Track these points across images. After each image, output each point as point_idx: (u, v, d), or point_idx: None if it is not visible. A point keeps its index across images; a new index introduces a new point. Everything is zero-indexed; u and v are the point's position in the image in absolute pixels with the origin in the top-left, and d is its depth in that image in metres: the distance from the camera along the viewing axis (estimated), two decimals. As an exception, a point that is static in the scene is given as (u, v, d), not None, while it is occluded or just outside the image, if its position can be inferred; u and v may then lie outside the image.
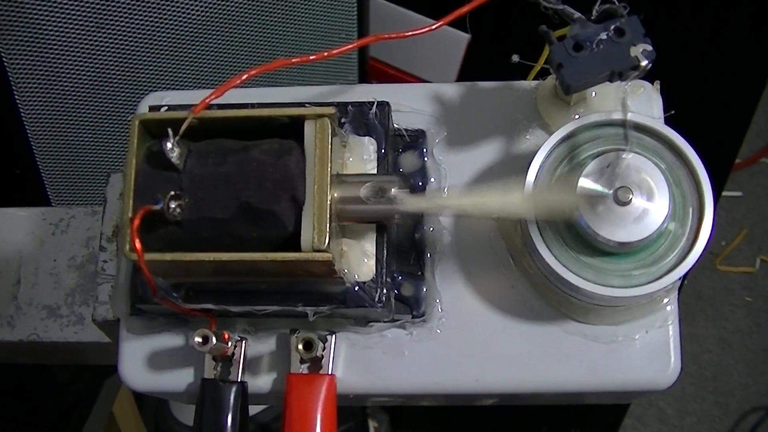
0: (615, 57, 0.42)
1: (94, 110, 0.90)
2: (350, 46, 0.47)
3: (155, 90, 0.54)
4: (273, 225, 0.41)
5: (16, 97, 0.85)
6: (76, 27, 0.84)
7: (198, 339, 0.45)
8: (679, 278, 0.44)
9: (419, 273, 0.48)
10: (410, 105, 0.51)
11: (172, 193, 0.41)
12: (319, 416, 0.46)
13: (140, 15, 0.87)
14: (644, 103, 0.49)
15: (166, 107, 0.46)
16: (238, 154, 0.42)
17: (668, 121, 0.49)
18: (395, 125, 0.50)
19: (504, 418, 1.40)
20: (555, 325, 0.48)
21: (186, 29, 0.90)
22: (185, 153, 0.42)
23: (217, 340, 0.45)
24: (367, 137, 0.47)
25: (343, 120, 0.47)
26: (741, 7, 1.28)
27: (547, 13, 0.44)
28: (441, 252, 0.49)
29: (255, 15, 0.94)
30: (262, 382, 0.49)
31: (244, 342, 0.48)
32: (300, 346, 0.46)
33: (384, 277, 0.45)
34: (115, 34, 0.86)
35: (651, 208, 0.43)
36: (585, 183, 0.44)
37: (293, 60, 0.44)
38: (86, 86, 0.88)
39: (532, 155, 0.46)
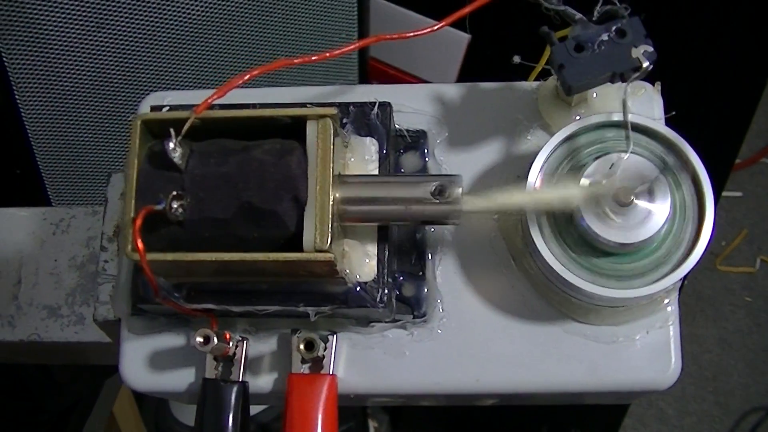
0: (616, 58, 0.42)
1: (95, 110, 0.90)
2: (352, 47, 0.47)
3: (156, 90, 0.54)
4: (275, 225, 0.41)
5: (17, 97, 0.85)
6: (77, 27, 0.84)
7: (199, 339, 0.45)
8: (680, 279, 0.44)
9: (420, 273, 0.48)
10: (411, 105, 0.51)
11: (174, 193, 0.41)
12: (320, 416, 0.46)
13: (141, 15, 0.87)
14: (645, 104, 0.50)
15: (167, 107, 0.46)
16: (239, 154, 0.42)
17: (669, 122, 0.49)
18: (396, 126, 0.50)
19: (504, 418, 1.40)
20: (555, 325, 0.48)
21: (187, 29, 0.90)
22: (187, 153, 0.42)
23: (218, 340, 0.45)
24: (368, 137, 0.47)
25: (344, 120, 0.47)
26: (741, 7, 1.28)
27: (548, 14, 0.44)
28: (442, 252, 0.49)
29: (256, 15, 0.94)
30: (263, 382, 0.49)
31: (245, 342, 0.48)
32: (301, 346, 0.46)
33: (385, 278, 0.45)
34: (115, 34, 0.86)
35: (652, 209, 0.43)
36: (586, 184, 0.44)
37: (295, 60, 0.44)
38: (87, 86, 0.88)
39: (533, 156, 0.46)
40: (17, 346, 0.58)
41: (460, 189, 0.42)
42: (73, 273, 0.58)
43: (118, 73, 0.89)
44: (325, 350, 0.47)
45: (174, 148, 0.40)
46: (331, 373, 0.47)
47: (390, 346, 0.48)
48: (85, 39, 0.85)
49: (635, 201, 0.43)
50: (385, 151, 0.47)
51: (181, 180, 0.41)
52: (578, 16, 0.44)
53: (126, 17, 0.86)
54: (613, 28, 0.43)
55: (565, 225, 0.45)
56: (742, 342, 1.67)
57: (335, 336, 0.48)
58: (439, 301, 0.48)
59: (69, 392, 1.06)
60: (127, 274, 0.49)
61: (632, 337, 0.47)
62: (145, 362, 0.49)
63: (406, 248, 0.49)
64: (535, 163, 0.45)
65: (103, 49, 0.87)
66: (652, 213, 0.43)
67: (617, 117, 0.46)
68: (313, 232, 0.40)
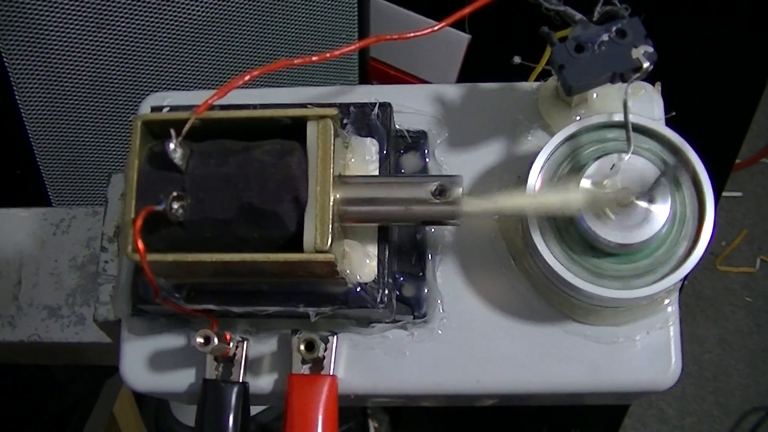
0: (616, 58, 0.42)
1: (95, 111, 0.90)
2: (352, 47, 0.47)
3: (156, 91, 0.55)
4: (275, 226, 0.41)
5: (17, 97, 0.85)
6: (77, 27, 0.84)
7: (200, 339, 0.45)
8: (681, 279, 0.44)
9: (421, 274, 0.48)
10: (412, 106, 0.51)
11: (175, 193, 0.41)
12: (320, 417, 0.46)
13: (141, 15, 0.87)
14: (645, 104, 0.50)
15: (168, 108, 0.46)
16: (240, 155, 0.42)
17: (669, 122, 0.49)
18: (397, 126, 0.50)
19: (504, 418, 1.40)
20: (556, 325, 0.48)
21: (187, 30, 0.90)
22: (187, 153, 0.42)
23: (218, 340, 0.45)
24: (369, 138, 0.47)
25: (345, 121, 0.47)
26: (741, 7, 1.28)
27: (548, 14, 0.44)
28: (442, 253, 0.49)
29: (256, 16, 0.94)
30: (264, 382, 0.49)
31: (245, 342, 0.48)
32: (301, 347, 0.46)
33: (386, 278, 0.45)
34: (116, 35, 0.86)
35: (652, 209, 0.43)
36: (586, 184, 0.44)
37: (295, 61, 0.44)
38: (87, 87, 0.88)
39: (533, 156, 0.46)
40: (18, 346, 0.58)
41: (461, 189, 0.42)
42: (74, 273, 0.58)
43: (119, 73, 0.89)
44: (325, 351, 0.47)
45: (174, 148, 0.40)
46: (331, 373, 0.47)
47: (390, 347, 0.48)
48: (86, 39, 0.85)
49: (635, 201, 0.43)
50: (385, 152, 0.47)
51: (182, 180, 0.41)
52: (578, 16, 0.44)
53: (126, 18, 0.86)
54: (614, 28, 0.43)
55: (566, 225, 0.45)
56: (743, 342, 1.67)
57: (335, 336, 0.48)
58: (439, 301, 0.48)
59: (69, 393, 1.06)
60: (128, 274, 0.49)
61: (632, 337, 0.47)
62: (145, 363, 0.49)
63: (406, 249, 0.49)
64: (535, 163, 0.45)
65: (103, 49, 0.87)
66: (653, 213, 0.43)
67: (617, 117, 0.46)
68: (314, 232, 0.40)
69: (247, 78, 0.42)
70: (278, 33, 0.96)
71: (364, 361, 0.48)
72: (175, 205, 0.41)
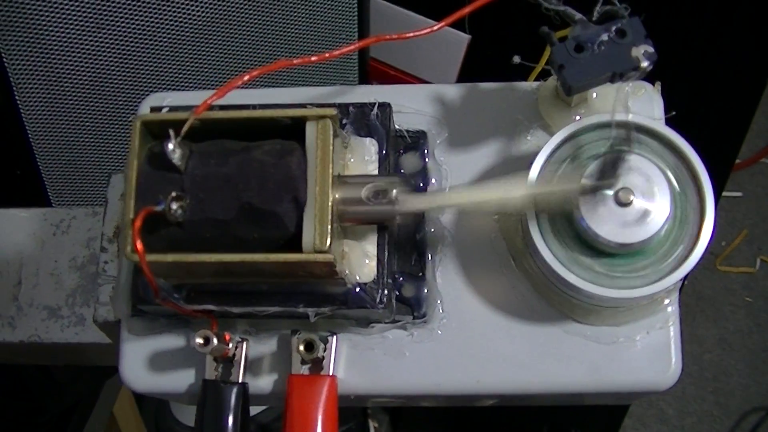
0: (616, 58, 0.42)
1: (95, 111, 0.90)
2: (352, 47, 0.47)
3: (156, 91, 0.54)
4: (274, 226, 0.41)
5: (17, 97, 0.85)
6: (77, 28, 0.84)
7: (199, 340, 0.45)
8: (681, 279, 0.44)
9: (420, 274, 0.48)
10: (411, 106, 0.51)
11: (174, 194, 0.41)
12: (320, 417, 0.46)
13: (141, 16, 0.87)
14: (645, 104, 0.50)
15: (167, 108, 0.46)
16: (239, 155, 0.42)
17: (669, 122, 0.49)
18: (396, 126, 0.50)
19: (504, 418, 1.40)
20: (556, 325, 0.48)
21: (186, 30, 0.90)
22: (187, 154, 0.42)
23: (218, 341, 0.45)
24: (368, 138, 0.47)
25: (344, 121, 0.47)
26: (741, 7, 1.28)
27: (548, 14, 0.44)
28: (442, 253, 0.49)
29: (255, 16, 0.94)
30: (263, 383, 0.49)
31: (245, 343, 0.48)
32: (301, 347, 0.46)
33: (385, 278, 0.45)
34: (115, 35, 0.86)
35: (652, 209, 0.43)
36: (586, 184, 0.44)
37: (295, 61, 0.44)
38: (87, 87, 0.88)
39: (533, 156, 0.46)
40: (17, 346, 0.58)
41: (395, 191, 0.43)
42: (74, 274, 0.58)
43: (118, 74, 0.89)
44: (324, 351, 0.47)
45: (173, 149, 0.40)
46: (331, 374, 0.47)
47: (390, 347, 0.48)
48: (86, 40, 0.85)
49: (635, 201, 0.43)
50: (384, 152, 0.47)
51: (181, 181, 0.41)
52: (578, 16, 0.44)
53: (126, 18, 0.86)
54: (613, 28, 0.43)
55: (565, 225, 0.45)
56: (743, 342, 1.67)
57: (335, 337, 0.48)
58: (439, 301, 0.48)
59: (69, 393, 1.06)
60: (127, 275, 0.49)
61: (632, 337, 0.47)
62: (145, 363, 0.49)
63: (406, 249, 0.49)
64: (535, 163, 0.45)
65: (103, 50, 0.87)
66: (652, 213, 0.43)
67: (617, 117, 0.46)
68: (313, 233, 0.40)
69: (246, 78, 0.42)
70: (278, 33, 0.96)
71: (363, 362, 0.48)
72: (175, 206, 0.41)
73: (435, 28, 0.46)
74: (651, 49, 0.42)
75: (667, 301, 0.47)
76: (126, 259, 0.41)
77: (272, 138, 0.43)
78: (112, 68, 0.88)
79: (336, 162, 0.42)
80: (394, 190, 0.43)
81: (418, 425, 1.51)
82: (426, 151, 0.50)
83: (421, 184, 0.50)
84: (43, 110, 0.88)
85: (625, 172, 0.43)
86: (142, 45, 0.88)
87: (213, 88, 0.42)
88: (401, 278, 0.48)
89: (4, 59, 0.82)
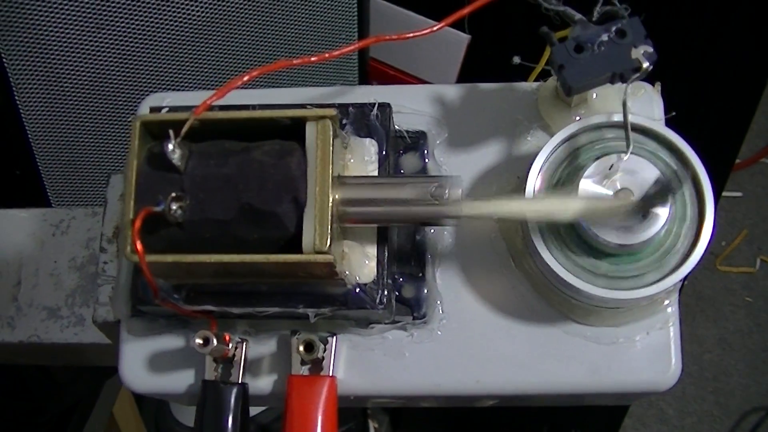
0: (616, 58, 0.42)
1: (95, 111, 0.90)
2: (352, 47, 0.46)
3: (155, 91, 0.54)
4: (274, 226, 0.41)
5: (17, 98, 0.85)
6: (77, 28, 0.84)
7: (199, 340, 0.45)
8: (680, 280, 0.44)
9: (420, 274, 0.48)
10: (411, 106, 0.51)
11: (174, 194, 0.41)
12: (319, 418, 0.46)
13: (140, 16, 0.87)
14: (645, 104, 0.49)
15: (167, 108, 0.46)
16: (239, 156, 0.42)
17: (669, 122, 0.49)
18: (396, 126, 0.50)
19: (504, 418, 1.40)
20: (556, 326, 0.48)
21: (186, 30, 0.90)
22: (186, 154, 0.42)
23: (217, 341, 0.45)
24: (368, 139, 0.47)
25: (344, 121, 0.47)
26: (741, 7, 1.28)
27: (548, 14, 0.44)
28: (442, 253, 0.49)
29: (255, 16, 0.93)
30: (263, 383, 0.49)
31: (244, 343, 0.48)
32: (301, 348, 0.46)
33: (385, 279, 0.45)
34: (115, 35, 0.86)
35: (652, 209, 0.43)
36: (586, 185, 0.43)
37: (294, 61, 0.44)
38: (86, 87, 0.88)
39: (533, 157, 0.46)
40: (17, 347, 0.58)
41: (460, 190, 0.42)
42: (73, 274, 0.58)
43: (118, 74, 0.89)
44: (324, 352, 0.47)
45: (173, 149, 0.40)
46: (330, 374, 0.47)
47: (390, 348, 0.48)
48: (85, 40, 0.85)
49: (635, 202, 0.43)
50: (384, 152, 0.47)
51: (181, 181, 0.41)
52: (578, 16, 0.44)
53: (125, 18, 0.86)
54: (613, 28, 0.43)
55: (565, 226, 0.45)
56: (743, 342, 1.66)
57: (335, 337, 0.48)
58: (438, 302, 0.48)
59: (69, 393, 1.06)
60: (127, 275, 0.49)
61: (632, 338, 0.47)
62: (144, 364, 0.49)
63: (405, 249, 0.49)
64: (534, 163, 0.45)
65: (102, 50, 0.87)
66: (652, 214, 0.43)
67: (617, 117, 0.46)
68: (313, 233, 0.40)
69: (246, 78, 0.41)
70: (278, 33, 0.96)
71: (363, 362, 0.48)
72: (174, 206, 0.41)
73: (435, 28, 0.46)
74: (651, 50, 0.42)
75: (666, 302, 0.47)
76: (125, 259, 0.41)
77: (272, 138, 0.43)
78: (112, 68, 0.88)
79: (336, 162, 0.42)
80: (459, 190, 0.42)
81: (418, 425, 1.51)
82: (426, 151, 0.50)
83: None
84: (43, 110, 0.88)
85: (625, 172, 0.43)
86: (142, 45, 0.88)
87: (213, 89, 0.42)
88: (401, 279, 0.48)
89: (4, 60, 0.82)
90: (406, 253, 0.49)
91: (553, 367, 0.47)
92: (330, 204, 0.40)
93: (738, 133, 1.42)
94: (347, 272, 0.44)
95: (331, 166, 0.41)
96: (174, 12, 0.88)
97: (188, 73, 0.93)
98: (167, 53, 0.91)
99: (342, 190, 0.42)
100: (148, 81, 0.91)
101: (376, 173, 0.46)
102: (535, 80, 0.51)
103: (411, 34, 0.46)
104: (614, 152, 0.44)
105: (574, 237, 0.44)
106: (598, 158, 0.44)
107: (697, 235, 0.44)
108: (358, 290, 0.44)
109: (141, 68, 0.90)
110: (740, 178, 1.73)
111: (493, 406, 0.54)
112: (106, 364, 0.58)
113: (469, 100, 0.52)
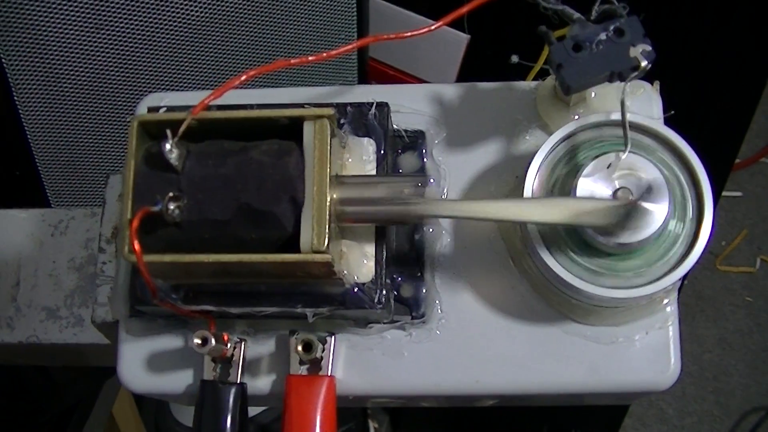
0: (615, 57, 0.42)
1: (94, 111, 0.90)
2: (349, 47, 0.46)
3: (154, 91, 0.54)
4: (273, 226, 0.41)
5: (16, 98, 0.85)
6: (75, 28, 0.84)
7: (197, 340, 0.45)
8: (679, 279, 0.44)
9: (419, 274, 0.48)
10: (409, 106, 0.51)
11: (171, 194, 0.41)
12: (318, 417, 0.46)
13: (139, 16, 0.87)
14: (644, 103, 0.49)
15: (165, 108, 0.46)
16: (237, 155, 0.42)
17: (668, 122, 0.49)
18: (394, 126, 0.50)
19: (504, 418, 1.40)
20: (555, 326, 0.48)
21: (185, 30, 0.90)
22: (184, 154, 0.42)
23: (216, 341, 0.45)
24: (366, 138, 0.47)
25: (342, 121, 0.47)
26: (741, 7, 1.28)
27: (546, 13, 0.44)
28: (441, 253, 0.49)
29: (254, 16, 0.93)
30: (262, 383, 0.49)
31: (243, 343, 0.48)
32: (299, 348, 0.46)
33: (383, 279, 0.45)
34: (113, 36, 0.86)
35: (651, 209, 0.43)
36: (584, 184, 0.43)
37: (292, 61, 0.44)
38: (85, 88, 0.88)
39: (531, 156, 0.46)
40: (16, 347, 0.58)
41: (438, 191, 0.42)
42: (72, 274, 0.58)
43: (117, 74, 0.89)
44: (323, 351, 0.47)
45: (170, 149, 0.40)
46: (329, 374, 0.47)
47: (389, 347, 0.48)
48: (84, 41, 0.85)
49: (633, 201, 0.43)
50: (382, 152, 0.46)
51: (179, 181, 0.41)
52: (576, 15, 0.43)
53: (124, 19, 0.86)
54: (612, 27, 0.43)
55: (564, 225, 0.45)
56: (743, 342, 1.66)
57: (333, 337, 0.47)
58: (437, 301, 0.48)
59: (68, 394, 1.06)
60: (125, 275, 0.49)
61: (632, 337, 0.47)
62: (143, 364, 0.49)
63: (404, 249, 0.49)
64: (532, 162, 0.45)
65: (101, 50, 0.87)
66: (651, 213, 0.43)
67: (616, 116, 0.45)
68: (311, 233, 0.40)
69: (244, 78, 0.41)
70: (277, 33, 0.96)
71: (362, 362, 0.48)
72: (172, 206, 0.40)
73: (433, 27, 0.46)
74: (649, 48, 0.42)
75: (666, 301, 0.47)
76: (124, 259, 0.41)
77: (270, 138, 0.43)
78: (111, 69, 0.88)
79: (334, 162, 0.42)
80: (429, 189, 0.42)
81: (418, 425, 1.51)
82: (424, 150, 0.50)
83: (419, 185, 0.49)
84: (42, 111, 0.88)
85: (624, 171, 0.43)
86: (141, 45, 0.88)
87: (211, 89, 0.42)
88: (399, 278, 0.48)
89: (3, 60, 0.82)
90: (405, 253, 0.48)
91: (553, 367, 0.47)
92: (328, 203, 0.40)
93: (738, 132, 1.42)
94: (345, 272, 0.43)
95: (328, 166, 0.41)
96: (172, 12, 0.88)
97: (187, 73, 0.93)
98: (166, 53, 0.91)
99: (340, 190, 0.42)
100: (147, 81, 0.91)
101: (374, 173, 0.46)
102: (534, 79, 0.51)
103: (410, 34, 0.46)
104: (612, 151, 0.44)
105: (572, 236, 0.44)
106: (596, 157, 0.44)
107: (695, 235, 0.44)
108: (356, 290, 0.44)
109: (140, 68, 0.90)
110: (740, 177, 1.73)
111: (493, 406, 0.54)
112: (106, 365, 0.58)
113: (467, 99, 0.52)
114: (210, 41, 0.92)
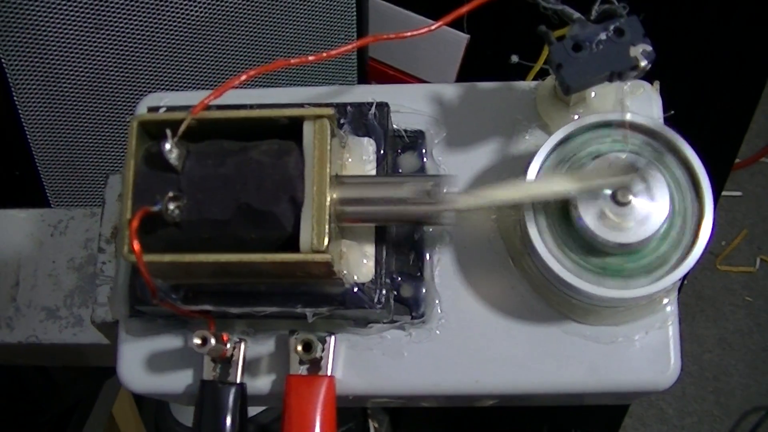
0: (614, 57, 0.42)
1: (93, 111, 0.90)
2: (349, 47, 0.46)
3: (154, 91, 0.54)
4: (272, 226, 0.41)
5: (16, 98, 0.85)
6: (75, 29, 0.84)
7: (197, 340, 0.45)
8: (679, 279, 0.44)
9: (418, 274, 0.48)
10: (409, 106, 0.51)
11: (171, 194, 0.41)
12: (318, 418, 0.46)
13: (138, 16, 0.87)
14: (644, 103, 0.49)
15: (164, 108, 0.46)
16: (237, 155, 0.42)
17: (668, 121, 0.49)
18: (394, 126, 0.50)
19: (504, 418, 1.40)
20: (555, 325, 0.48)
21: (184, 30, 0.90)
22: (184, 154, 0.42)
23: (216, 341, 0.45)
24: (366, 138, 0.47)
25: (342, 121, 0.47)
26: (741, 7, 1.28)
27: (546, 13, 0.44)
28: (440, 253, 0.49)
29: (254, 15, 0.93)
30: (262, 383, 0.49)
31: (243, 343, 0.48)
32: (299, 348, 0.46)
33: (383, 278, 0.45)
34: (113, 36, 0.86)
35: (650, 208, 0.43)
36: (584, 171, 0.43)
37: (292, 61, 0.44)
38: (85, 88, 0.88)
39: (531, 156, 0.46)
40: (16, 347, 0.58)
41: (456, 189, 0.42)
42: (72, 274, 0.58)
43: (116, 74, 0.89)
44: (323, 351, 0.47)
45: (170, 149, 0.40)
46: (329, 374, 0.47)
47: (388, 347, 0.48)
48: (84, 41, 0.85)
49: (633, 201, 0.43)
50: (382, 152, 0.46)
51: (178, 181, 0.41)
52: (576, 15, 0.43)
53: (124, 19, 0.86)
54: (612, 27, 0.43)
55: (564, 225, 0.45)
56: (743, 342, 1.66)
57: (333, 337, 0.47)
58: (437, 301, 0.48)
59: (68, 394, 1.06)
60: (125, 275, 0.49)
61: (631, 337, 0.47)
62: (143, 364, 0.49)
63: (404, 249, 0.48)
64: (533, 163, 0.45)
65: (101, 50, 0.87)
66: (651, 212, 0.43)
67: (615, 116, 0.45)
68: (310, 233, 0.40)
69: (243, 78, 0.41)
70: (276, 33, 0.96)
71: (362, 362, 0.48)
72: (172, 206, 0.40)
73: (433, 27, 0.46)
74: (649, 48, 0.42)
75: (665, 301, 0.47)
76: (123, 259, 0.41)
77: (270, 138, 0.43)
78: (110, 69, 0.88)
79: (333, 162, 0.42)
80: (455, 189, 0.42)
81: (418, 425, 1.51)
82: (424, 150, 0.50)
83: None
84: (42, 111, 0.88)
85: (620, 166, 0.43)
86: (140, 45, 0.88)
87: (211, 89, 0.42)
88: (399, 278, 0.48)
89: (3, 60, 0.82)
90: (405, 253, 0.48)
91: (553, 367, 0.47)
92: (327, 203, 0.40)
93: (738, 132, 1.42)
94: (345, 272, 0.43)
95: (328, 166, 0.41)
96: (172, 12, 0.88)
97: (186, 73, 0.93)
98: (165, 53, 0.91)
99: (340, 190, 0.42)
100: (147, 81, 0.91)
101: (374, 173, 0.46)
102: (534, 79, 0.51)
103: (409, 33, 0.46)
104: (612, 151, 0.44)
105: (572, 236, 0.44)
106: (596, 157, 0.44)
107: (695, 234, 0.44)
108: (356, 290, 0.44)
109: (139, 68, 0.90)
110: (740, 177, 1.73)
111: (493, 406, 0.54)
112: (105, 365, 0.58)
113: (467, 99, 0.52)
114: (210, 41, 0.92)
